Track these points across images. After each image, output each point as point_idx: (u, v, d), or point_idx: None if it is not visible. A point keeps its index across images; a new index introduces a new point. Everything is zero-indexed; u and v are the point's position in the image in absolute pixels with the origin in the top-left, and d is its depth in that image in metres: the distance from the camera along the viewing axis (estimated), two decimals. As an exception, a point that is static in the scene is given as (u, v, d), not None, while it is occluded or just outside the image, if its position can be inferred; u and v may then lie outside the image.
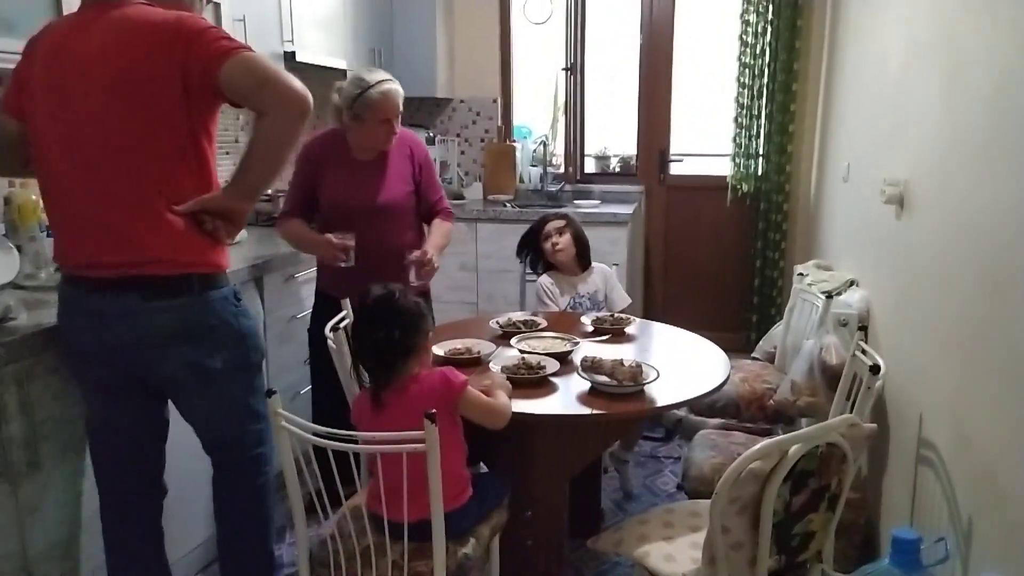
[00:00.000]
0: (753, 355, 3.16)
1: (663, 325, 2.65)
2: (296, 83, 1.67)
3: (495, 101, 4.78)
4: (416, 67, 4.40)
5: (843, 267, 3.21)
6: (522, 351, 2.20)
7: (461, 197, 4.59)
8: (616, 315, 2.59)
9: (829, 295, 2.57)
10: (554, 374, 2.04)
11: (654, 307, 4.69)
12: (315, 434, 1.58)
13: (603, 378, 1.96)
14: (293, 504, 1.69)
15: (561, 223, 2.95)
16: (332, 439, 1.56)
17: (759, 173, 4.34)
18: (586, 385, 1.96)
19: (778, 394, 2.60)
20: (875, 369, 1.80)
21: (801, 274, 2.96)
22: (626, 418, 1.91)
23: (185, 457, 1.97)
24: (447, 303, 4.32)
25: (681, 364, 2.23)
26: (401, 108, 2.54)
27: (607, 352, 2.24)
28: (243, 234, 3.03)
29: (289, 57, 3.29)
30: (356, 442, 1.60)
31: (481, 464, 2.11)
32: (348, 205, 2.59)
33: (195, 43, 1.62)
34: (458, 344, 2.25)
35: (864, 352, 1.98)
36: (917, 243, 2.23)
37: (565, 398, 1.94)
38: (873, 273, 2.76)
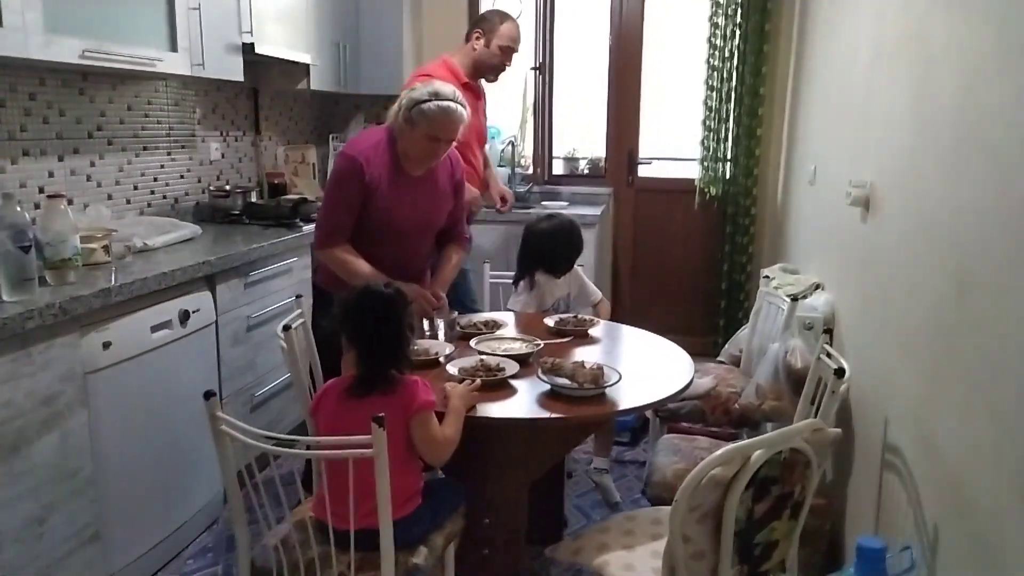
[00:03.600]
0: (719, 358, 3.12)
1: (628, 327, 2.60)
2: None
3: (463, 100, 4.69)
4: (382, 64, 4.31)
5: (809, 270, 3.19)
6: (481, 352, 2.13)
7: (427, 197, 4.50)
8: (579, 316, 2.53)
9: (795, 298, 2.53)
10: (514, 376, 1.97)
11: (621, 310, 4.64)
12: (256, 438, 1.49)
13: (564, 380, 1.90)
14: (234, 512, 1.60)
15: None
16: (278, 444, 1.47)
17: (727, 176, 4.33)
18: (546, 388, 1.90)
19: (743, 398, 2.56)
20: (840, 372, 1.76)
21: (767, 277, 2.93)
22: (587, 421, 1.84)
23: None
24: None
25: (645, 367, 2.17)
26: (457, 137, 2.34)
27: (570, 354, 2.18)
28: (196, 229, 2.92)
29: (248, 49, 3.19)
30: (309, 447, 1.52)
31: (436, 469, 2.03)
32: (398, 221, 2.40)
33: None
34: (416, 345, 2.18)
35: (829, 355, 1.94)
36: (883, 246, 2.20)
37: (524, 401, 1.87)
38: (839, 276, 2.74)
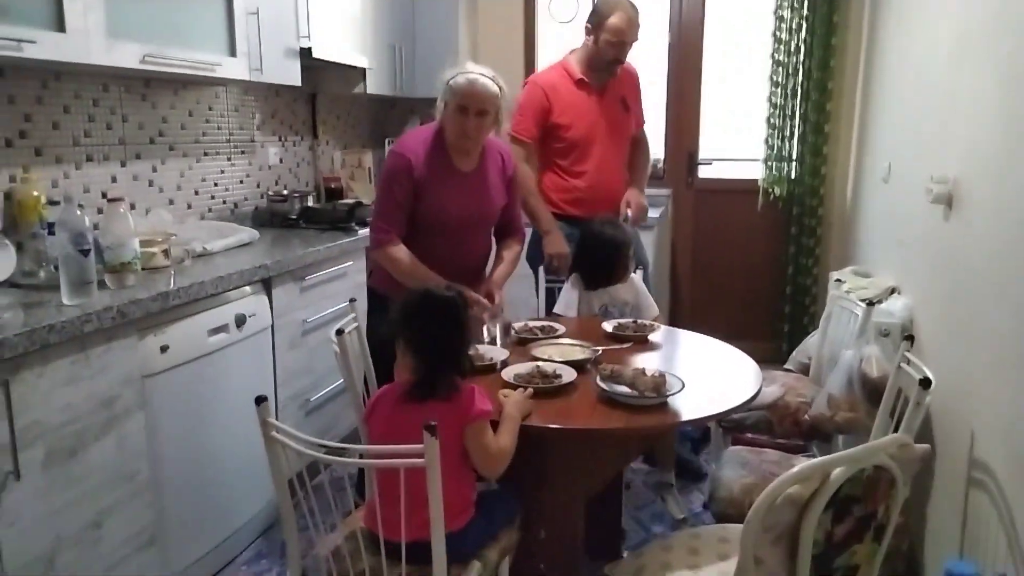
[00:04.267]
0: (786, 366, 2.98)
1: (689, 333, 2.49)
2: None
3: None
4: (438, 65, 4.17)
5: (883, 273, 3.03)
6: (537, 359, 2.06)
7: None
8: (639, 321, 2.44)
9: (869, 303, 2.39)
10: (571, 384, 1.89)
11: (681, 314, 4.51)
12: (309, 445, 1.46)
13: (623, 388, 1.81)
14: (284, 521, 1.57)
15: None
16: (329, 452, 1.43)
17: (792, 176, 4.17)
18: (605, 396, 1.82)
19: (813, 408, 2.42)
20: (925, 383, 1.63)
21: (839, 280, 2.78)
22: (647, 433, 1.75)
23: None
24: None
25: (709, 374, 2.06)
26: (486, 106, 2.29)
27: (630, 361, 2.10)
28: (254, 233, 2.93)
29: (305, 53, 3.20)
30: (359, 456, 1.48)
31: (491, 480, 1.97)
32: (449, 216, 2.39)
33: None
34: (473, 349, 2.12)
35: (910, 363, 1.81)
36: (967, 245, 2.05)
37: (582, 410, 1.79)
38: (917, 279, 2.58)
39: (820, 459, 1.26)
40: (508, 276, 2.55)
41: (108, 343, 1.91)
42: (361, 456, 1.59)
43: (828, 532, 1.28)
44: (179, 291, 2.14)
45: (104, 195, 2.61)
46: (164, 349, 2.11)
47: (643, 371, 1.85)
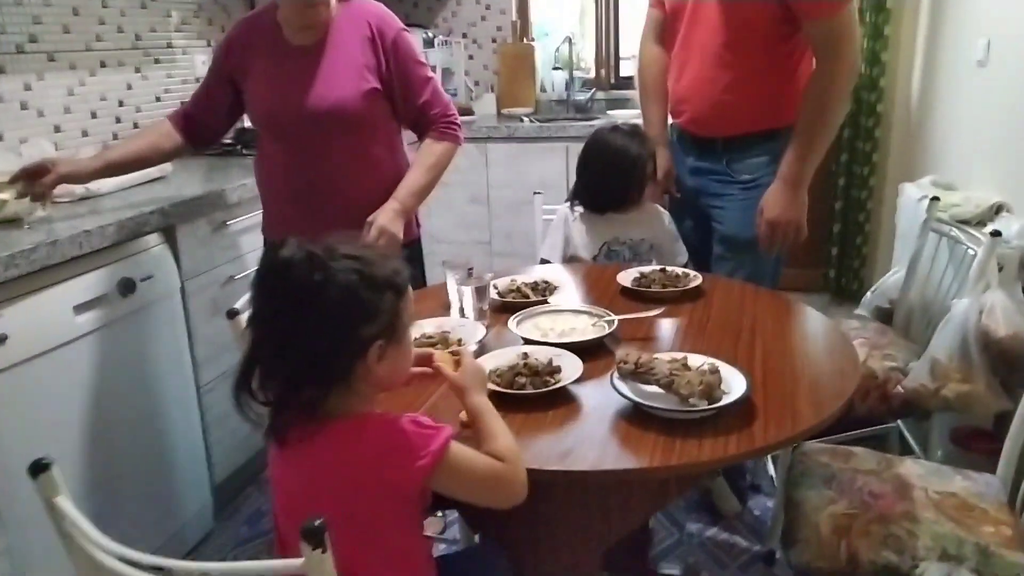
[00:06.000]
0: (858, 311, 2.32)
1: (737, 284, 1.81)
2: None
3: (509, -10, 3.85)
4: None
5: (977, 185, 2.34)
6: (527, 340, 1.41)
7: (470, 112, 3.74)
8: (669, 270, 1.76)
9: (995, 233, 1.71)
10: (576, 382, 1.25)
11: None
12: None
13: (654, 389, 1.18)
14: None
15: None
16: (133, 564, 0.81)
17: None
18: (628, 404, 1.18)
19: (910, 378, 1.78)
20: None
21: (934, 199, 2.08)
22: (694, 470, 1.10)
23: None
24: (454, 244, 3.54)
25: (781, 358, 1.39)
26: None
27: (662, 338, 1.45)
28: (164, 167, 2.25)
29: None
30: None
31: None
32: (274, 111, 1.80)
33: None
34: (430, 325, 1.48)
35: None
36: None
37: (593, 431, 1.16)
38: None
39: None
40: (419, 193, 1.83)
41: None
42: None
43: None
44: (14, 257, 1.50)
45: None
46: (1, 340, 1.49)
47: (685, 362, 1.21)
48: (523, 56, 3.83)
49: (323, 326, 0.93)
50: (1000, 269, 1.83)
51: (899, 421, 2.01)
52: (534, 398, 1.21)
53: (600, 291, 1.73)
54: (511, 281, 1.72)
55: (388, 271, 0.98)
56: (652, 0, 2.16)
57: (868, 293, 2.28)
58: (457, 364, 1.10)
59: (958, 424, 1.97)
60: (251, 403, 0.98)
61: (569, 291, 1.75)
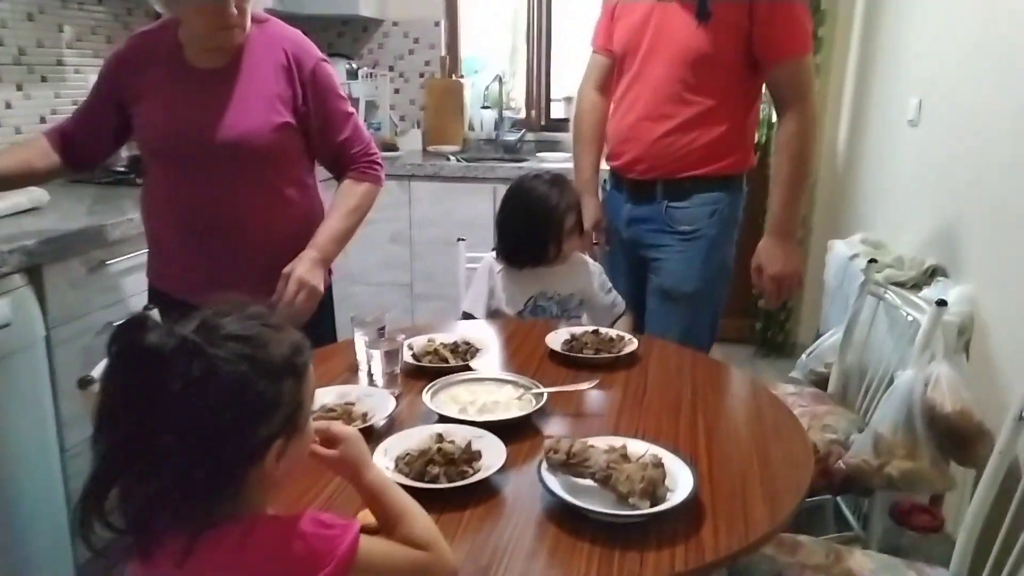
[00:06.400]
0: (792, 375, 2.23)
1: (677, 348, 1.67)
2: None
3: (438, 24, 3.72)
4: None
5: (908, 244, 2.30)
6: (442, 418, 1.23)
7: (394, 148, 3.56)
8: (602, 332, 1.61)
9: (940, 302, 1.63)
10: (501, 470, 1.07)
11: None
12: None
13: (588, 483, 1.01)
14: None
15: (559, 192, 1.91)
16: None
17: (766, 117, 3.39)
18: (557, 505, 1.01)
19: (851, 453, 1.67)
20: None
21: (871, 260, 2.00)
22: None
23: None
24: (372, 286, 3.34)
25: (726, 441, 1.25)
26: None
27: (596, 413, 1.30)
28: (39, 195, 1.98)
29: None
30: None
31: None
32: (171, 140, 1.58)
33: None
34: (331, 395, 1.28)
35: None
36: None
37: (520, 537, 0.98)
38: (979, 255, 1.85)
39: None
40: (340, 239, 1.64)
41: None
42: None
43: None
44: None
45: None
46: None
47: (624, 451, 1.05)
48: (452, 92, 3.69)
49: (205, 435, 0.72)
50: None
51: (845, 503, 1.90)
52: (449, 493, 1.02)
53: (527, 354, 1.56)
54: (428, 341, 1.53)
55: (286, 350, 0.77)
56: (596, 46, 2.06)
57: (803, 356, 2.19)
58: (329, 443, 0.89)
59: (897, 499, 1.88)
60: (98, 526, 0.76)
61: (493, 354, 1.57)
